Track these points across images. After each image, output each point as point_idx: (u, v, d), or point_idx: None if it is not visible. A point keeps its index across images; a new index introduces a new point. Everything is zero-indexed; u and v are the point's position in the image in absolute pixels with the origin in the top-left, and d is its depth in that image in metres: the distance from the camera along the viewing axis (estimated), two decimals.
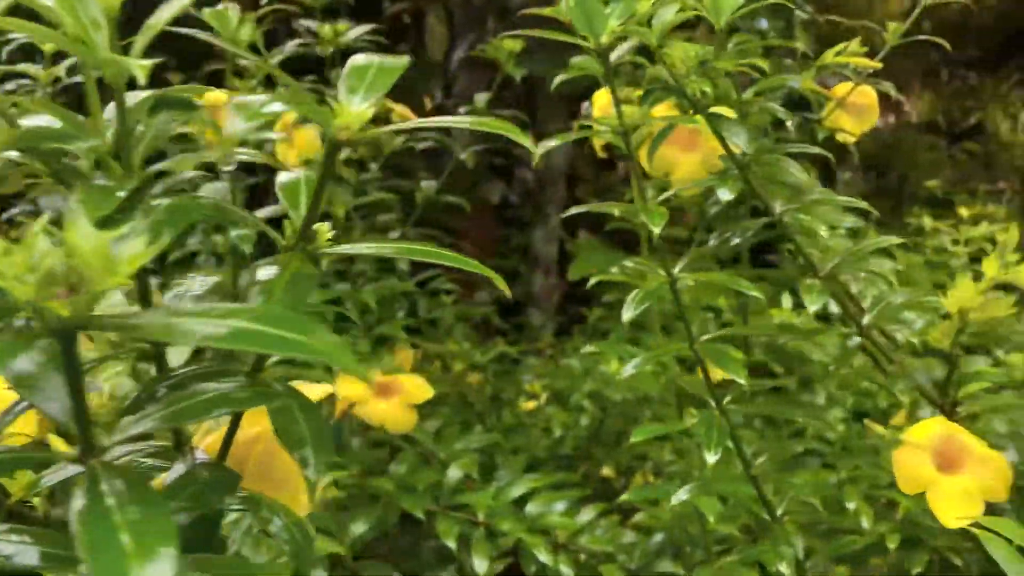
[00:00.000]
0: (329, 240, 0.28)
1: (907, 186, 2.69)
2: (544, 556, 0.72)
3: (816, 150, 0.59)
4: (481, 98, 0.96)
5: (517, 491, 0.79)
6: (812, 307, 0.52)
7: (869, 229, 1.83)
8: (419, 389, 0.73)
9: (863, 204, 0.73)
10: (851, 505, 0.72)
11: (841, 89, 0.84)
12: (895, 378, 0.53)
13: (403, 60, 0.28)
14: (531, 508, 0.79)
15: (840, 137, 0.84)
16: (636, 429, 0.69)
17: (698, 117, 0.52)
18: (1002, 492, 0.46)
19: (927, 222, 0.99)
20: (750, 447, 0.64)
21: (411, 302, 1.09)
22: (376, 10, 2.06)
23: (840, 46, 0.82)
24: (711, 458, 0.54)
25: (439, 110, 1.66)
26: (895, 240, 0.57)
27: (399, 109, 0.88)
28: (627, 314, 0.51)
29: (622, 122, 0.51)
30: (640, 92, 0.54)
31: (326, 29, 0.80)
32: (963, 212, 0.95)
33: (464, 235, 2.01)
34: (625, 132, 0.51)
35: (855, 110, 0.84)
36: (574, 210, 0.56)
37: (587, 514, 0.79)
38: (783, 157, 0.54)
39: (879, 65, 0.80)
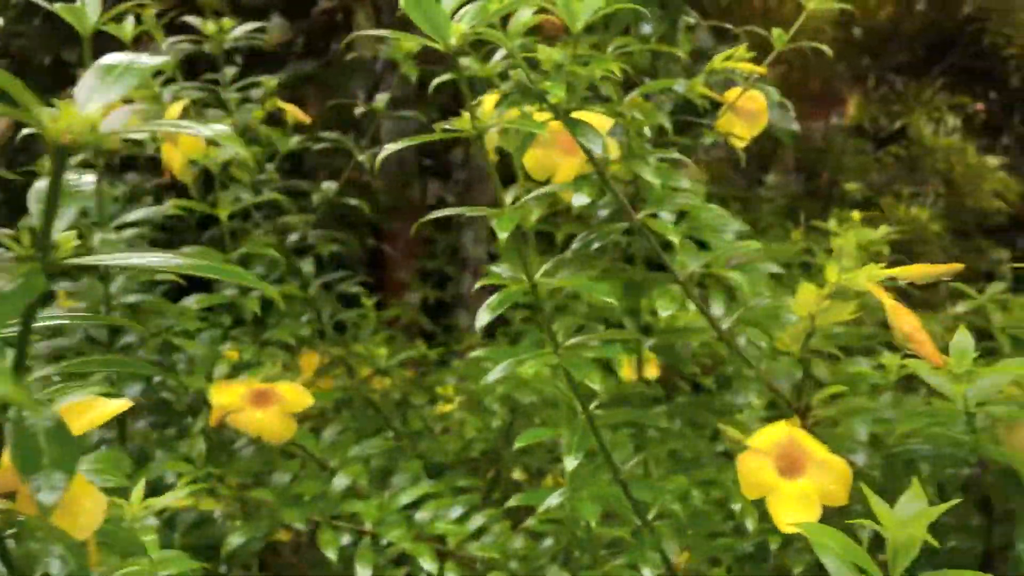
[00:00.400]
0: (77, 249, 0.26)
1: (836, 189, 2.74)
2: (428, 564, 0.71)
3: (677, 156, 0.59)
4: (382, 98, 0.95)
5: (407, 498, 0.78)
6: (664, 312, 0.52)
7: (796, 231, 1.86)
8: (298, 397, 0.71)
9: (726, 213, 0.74)
10: (736, 507, 0.72)
11: (731, 94, 0.84)
12: (748, 381, 0.54)
13: (156, 60, 0.26)
14: (421, 515, 0.78)
15: (732, 141, 0.85)
16: (519, 435, 0.69)
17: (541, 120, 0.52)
18: (842, 496, 0.47)
19: (832, 225, 1.01)
20: (621, 451, 0.64)
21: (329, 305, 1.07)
22: (306, 9, 2.02)
23: (729, 51, 0.83)
24: (571, 463, 0.54)
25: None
26: (755, 245, 0.58)
27: (291, 109, 0.86)
28: (482, 319, 0.51)
29: (474, 124, 0.50)
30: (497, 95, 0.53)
31: (210, 26, 0.78)
32: (855, 216, 0.96)
33: (393, 236, 1.99)
34: (479, 135, 0.50)
35: (746, 115, 0.85)
36: (437, 214, 0.55)
37: (478, 520, 0.78)
38: (639, 162, 0.54)
39: (764, 71, 0.81)
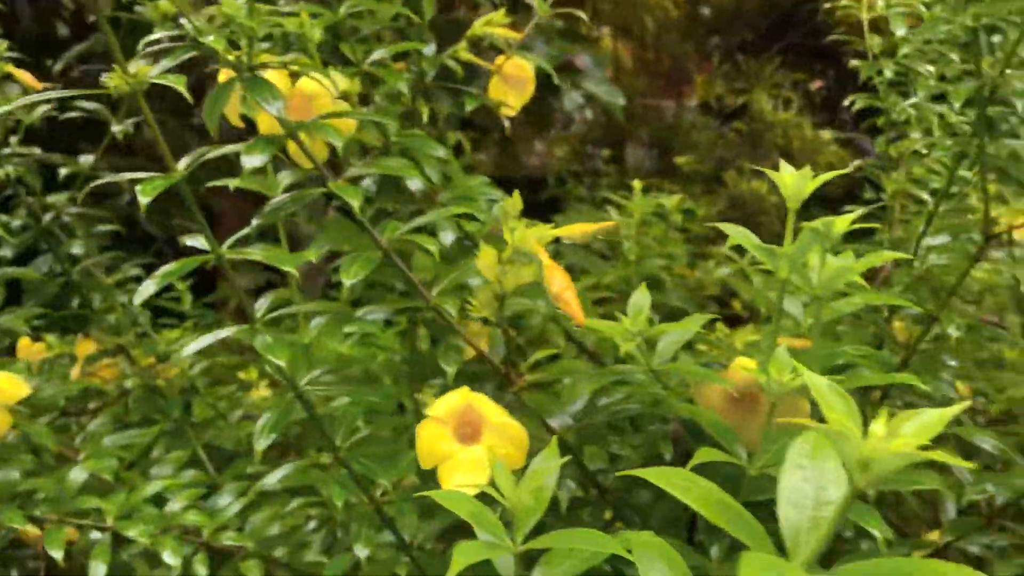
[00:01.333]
0: None
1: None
2: (170, 558, 0.67)
3: (371, 115, 0.56)
4: (142, 67, 0.88)
5: (152, 489, 0.73)
6: (347, 281, 0.50)
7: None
8: (12, 387, 0.65)
9: (488, 183, 0.73)
10: None
11: (498, 61, 0.83)
12: (449, 350, 0.52)
13: None
14: (172, 506, 0.73)
15: (503, 111, 0.84)
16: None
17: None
18: (518, 459, 0.46)
19: (615, 198, 1.02)
20: None
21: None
22: None
23: (488, 16, 0.81)
24: (261, 444, 0.51)
25: None
26: (450, 211, 0.56)
27: (20, 75, 0.79)
28: (141, 295, 0.47)
29: (127, 81, 0.46)
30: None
31: None
32: (636, 185, 0.98)
33: (222, 215, 1.90)
34: (134, 93, 0.46)
35: (514, 82, 0.83)
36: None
37: (235, 507, 0.75)
38: (321, 124, 0.51)
39: (520, 36, 0.80)
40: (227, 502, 0.78)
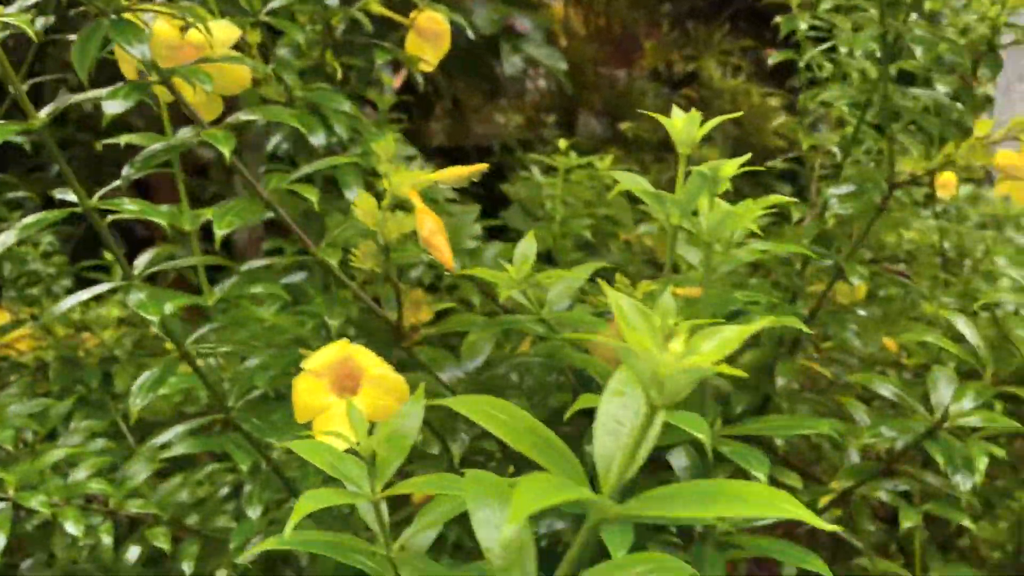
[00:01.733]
0: None
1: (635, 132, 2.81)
2: (72, 527, 0.66)
3: (259, 64, 0.54)
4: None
5: (54, 458, 0.71)
6: (219, 232, 0.48)
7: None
8: None
9: (399, 141, 0.71)
10: None
11: (413, 15, 0.81)
12: (332, 304, 0.51)
13: None
14: (76, 475, 0.71)
15: (420, 66, 0.82)
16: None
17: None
18: (395, 409, 0.45)
19: (541, 158, 1.00)
20: None
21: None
22: None
23: None
24: (136, 403, 0.50)
25: None
26: (342, 159, 0.54)
27: None
28: None
29: None
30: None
31: None
32: (563, 144, 0.97)
33: (157, 186, 1.85)
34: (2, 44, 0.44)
35: (429, 36, 0.82)
36: None
37: (143, 474, 0.73)
38: (195, 69, 0.49)
39: None
40: (138, 470, 0.76)
